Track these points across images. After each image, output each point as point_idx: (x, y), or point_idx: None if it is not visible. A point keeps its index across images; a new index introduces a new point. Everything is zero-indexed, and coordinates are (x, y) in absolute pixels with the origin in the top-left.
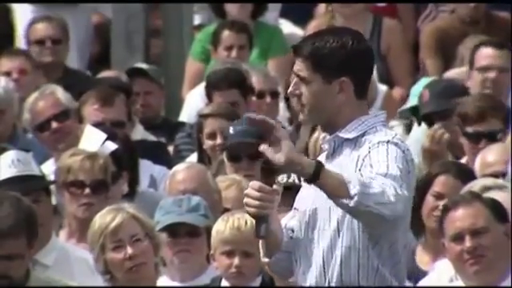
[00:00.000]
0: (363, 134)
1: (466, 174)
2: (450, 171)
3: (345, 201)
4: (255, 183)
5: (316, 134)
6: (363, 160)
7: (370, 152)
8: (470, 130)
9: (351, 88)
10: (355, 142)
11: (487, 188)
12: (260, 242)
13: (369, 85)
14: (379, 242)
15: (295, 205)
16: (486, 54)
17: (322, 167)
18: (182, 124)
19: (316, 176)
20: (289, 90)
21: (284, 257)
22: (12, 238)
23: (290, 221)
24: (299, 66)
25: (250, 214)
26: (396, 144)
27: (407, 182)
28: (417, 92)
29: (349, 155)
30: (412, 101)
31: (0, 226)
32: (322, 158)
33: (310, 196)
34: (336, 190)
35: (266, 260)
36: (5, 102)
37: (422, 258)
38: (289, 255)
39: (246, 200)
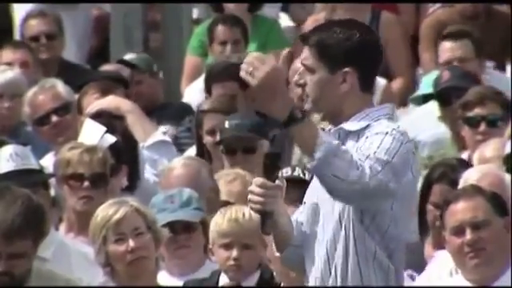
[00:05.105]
0: (367, 127)
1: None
2: (444, 179)
3: (308, 159)
4: (258, 179)
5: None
6: (361, 150)
7: (367, 139)
8: (470, 114)
9: (355, 79)
10: (358, 135)
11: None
12: (272, 237)
13: (375, 78)
14: (369, 230)
15: (305, 199)
16: None
17: (300, 117)
18: (181, 117)
19: (290, 122)
20: (294, 79)
21: (296, 251)
22: (20, 238)
23: (300, 215)
24: (305, 55)
25: (254, 211)
26: (394, 136)
27: (395, 170)
28: (429, 80)
29: (352, 148)
30: (424, 89)
31: (11, 225)
32: None
33: (314, 190)
34: (305, 145)
35: (278, 255)
36: (19, 88)
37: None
38: (301, 249)
39: (249, 197)
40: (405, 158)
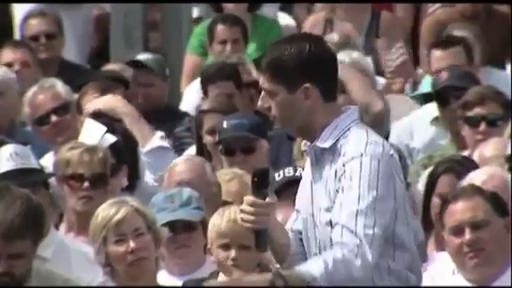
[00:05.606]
0: (339, 140)
1: (469, 172)
2: (452, 171)
3: None
4: (249, 198)
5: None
6: (339, 180)
7: (344, 166)
8: (470, 113)
9: (316, 93)
10: (333, 151)
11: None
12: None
13: (336, 86)
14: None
15: (296, 206)
16: None
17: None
18: (182, 117)
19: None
20: (258, 105)
21: (296, 259)
22: (20, 238)
23: (294, 223)
24: (261, 80)
25: (247, 229)
26: (370, 155)
27: (385, 195)
28: (430, 79)
29: (330, 168)
30: (425, 88)
31: (10, 226)
32: (307, 164)
33: (307, 199)
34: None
35: (278, 266)
36: (8, 86)
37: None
38: (301, 257)
39: (241, 216)
40: (388, 172)
